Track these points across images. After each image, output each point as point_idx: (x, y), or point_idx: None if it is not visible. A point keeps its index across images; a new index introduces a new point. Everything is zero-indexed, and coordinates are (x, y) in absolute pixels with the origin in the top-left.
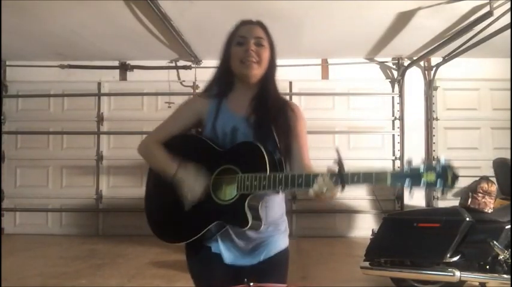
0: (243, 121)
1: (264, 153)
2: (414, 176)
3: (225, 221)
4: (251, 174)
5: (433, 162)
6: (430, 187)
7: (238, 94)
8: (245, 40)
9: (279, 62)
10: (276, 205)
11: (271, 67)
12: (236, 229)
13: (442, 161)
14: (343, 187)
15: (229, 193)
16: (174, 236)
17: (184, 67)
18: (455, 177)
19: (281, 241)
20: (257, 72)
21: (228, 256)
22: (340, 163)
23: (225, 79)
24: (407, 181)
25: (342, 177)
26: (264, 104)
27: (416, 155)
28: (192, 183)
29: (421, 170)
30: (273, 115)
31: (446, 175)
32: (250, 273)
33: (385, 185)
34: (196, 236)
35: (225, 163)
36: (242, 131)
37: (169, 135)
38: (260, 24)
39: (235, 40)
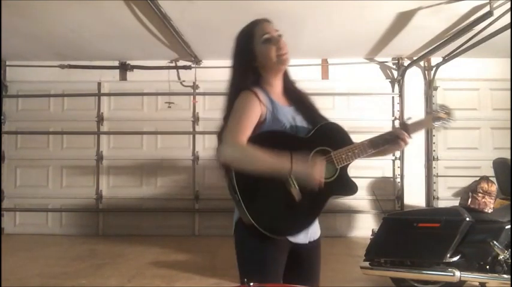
0: (292, 111)
1: (344, 129)
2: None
3: (338, 194)
4: (344, 148)
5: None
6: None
7: (269, 87)
8: (272, 37)
9: None
10: None
11: None
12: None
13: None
14: (409, 135)
15: (327, 171)
16: (294, 228)
17: (184, 67)
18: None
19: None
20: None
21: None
22: (403, 122)
23: (252, 77)
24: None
25: (406, 127)
26: (298, 93)
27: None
28: (315, 171)
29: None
30: (308, 102)
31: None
32: (305, 251)
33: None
34: (314, 219)
35: (316, 146)
36: (299, 120)
37: (248, 135)
38: (268, 20)
39: (259, 38)
